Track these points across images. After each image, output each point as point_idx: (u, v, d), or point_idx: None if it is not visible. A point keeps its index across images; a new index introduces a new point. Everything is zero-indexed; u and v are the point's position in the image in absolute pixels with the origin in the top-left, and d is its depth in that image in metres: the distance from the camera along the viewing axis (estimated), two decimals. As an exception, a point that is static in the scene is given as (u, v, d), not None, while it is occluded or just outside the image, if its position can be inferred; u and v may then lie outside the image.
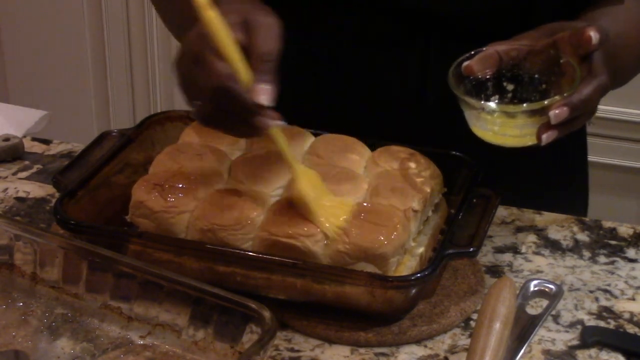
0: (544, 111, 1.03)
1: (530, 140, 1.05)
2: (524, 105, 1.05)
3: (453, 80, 1.06)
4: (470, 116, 1.07)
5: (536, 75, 1.08)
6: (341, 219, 1.05)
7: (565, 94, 1.02)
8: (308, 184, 1.06)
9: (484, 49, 1.08)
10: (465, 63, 1.07)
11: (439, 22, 1.21)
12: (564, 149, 1.34)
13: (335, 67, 1.28)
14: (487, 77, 1.08)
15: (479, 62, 1.07)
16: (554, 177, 1.35)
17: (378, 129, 1.22)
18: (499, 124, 1.05)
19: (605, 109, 2.28)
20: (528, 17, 1.19)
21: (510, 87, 1.09)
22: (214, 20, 0.99)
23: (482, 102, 1.06)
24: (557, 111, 1.02)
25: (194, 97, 1.04)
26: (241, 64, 1.00)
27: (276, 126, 1.03)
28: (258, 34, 1.01)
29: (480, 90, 1.08)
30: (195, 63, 1.02)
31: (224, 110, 1.02)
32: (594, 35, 1.03)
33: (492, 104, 1.07)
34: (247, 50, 1.01)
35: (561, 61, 1.05)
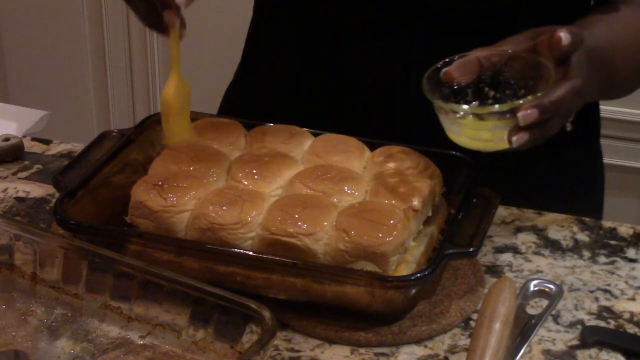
0: (515, 113, 1.02)
1: (502, 145, 1.04)
2: (495, 106, 1.04)
3: (427, 85, 1.05)
4: (444, 121, 1.06)
5: (515, 80, 1.07)
6: (187, 133, 1.16)
7: (535, 96, 1.02)
8: (176, 92, 1.13)
9: (465, 54, 1.07)
10: (445, 69, 1.06)
11: (425, 15, 1.21)
12: (573, 156, 1.33)
13: (320, 59, 1.28)
14: (468, 83, 1.07)
15: (458, 69, 1.06)
16: (566, 183, 1.35)
17: (367, 123, 1.22)
18: (471, 127, 1.05)
19: (606, 109, 2.28)
20: (513, 15, 1.18)
21: (490, 92, 1.08)
22: None
23: (452, 104, 1.06)
24: (525, 112, 1.01)
25: None
26: None
27: (176, 28, 1.10)
28: None
29: (460, 96, 1.07)
30: None
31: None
32: (564, 36, 1.02)
33: (462, 106, 1.05)
34: None
35: (539, 65, 1.05)
